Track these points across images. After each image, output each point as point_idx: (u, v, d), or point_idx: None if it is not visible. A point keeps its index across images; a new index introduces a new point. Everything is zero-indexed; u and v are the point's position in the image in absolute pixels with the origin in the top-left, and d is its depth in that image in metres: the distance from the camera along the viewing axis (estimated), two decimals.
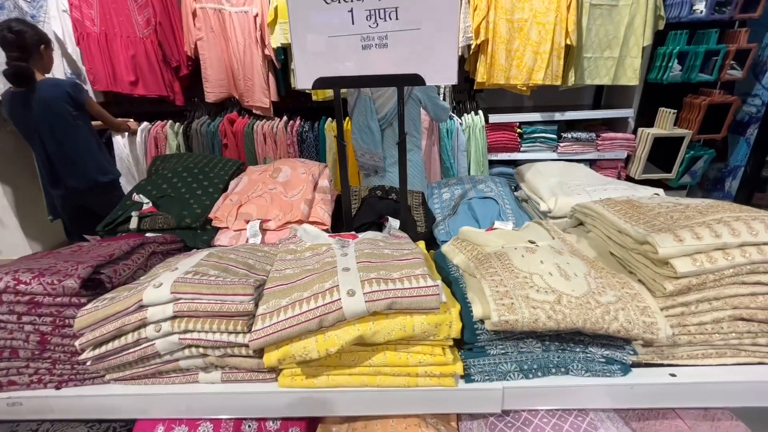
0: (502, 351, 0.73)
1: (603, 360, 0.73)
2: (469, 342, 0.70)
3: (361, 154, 2.12)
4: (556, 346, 0.73)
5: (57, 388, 0.76)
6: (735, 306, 0.69)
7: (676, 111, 2.90)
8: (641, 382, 0.73)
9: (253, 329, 0.66)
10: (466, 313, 0.71)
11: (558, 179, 1.34)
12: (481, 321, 0.69)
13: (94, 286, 0.77)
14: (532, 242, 0.79)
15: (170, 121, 2.99)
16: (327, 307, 0.64)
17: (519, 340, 0.73)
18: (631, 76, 2.82)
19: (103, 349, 0.70)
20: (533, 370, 0.73)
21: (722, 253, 0.67)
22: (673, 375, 0.74)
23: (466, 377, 0.73)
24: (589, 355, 0.73)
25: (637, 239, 0.76)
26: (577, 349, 0.73)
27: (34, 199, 3.23)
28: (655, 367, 0.76)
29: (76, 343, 0.70)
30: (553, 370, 0.74)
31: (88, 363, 0.72)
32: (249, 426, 0.77)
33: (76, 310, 0.72)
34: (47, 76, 2.21)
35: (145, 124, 2.95)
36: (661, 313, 0.68)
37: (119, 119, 2.72)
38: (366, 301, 0.64)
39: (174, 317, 0.68)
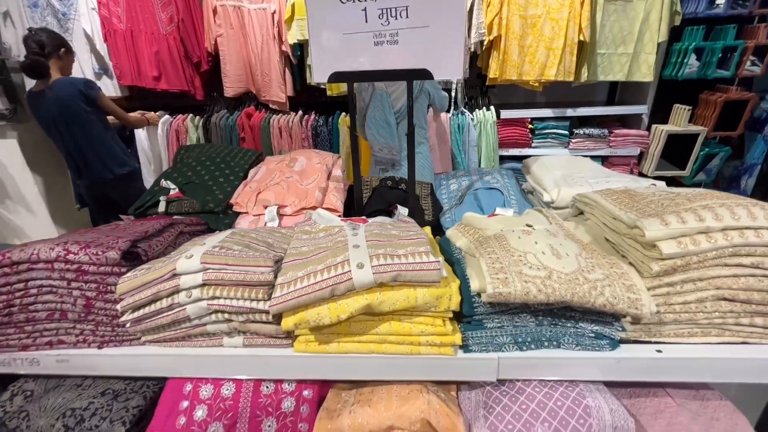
0: (498, 325, 0.79)
1: (592, 335, 0.79)
2: (467, 314, 0.76)
3: (379, 149, 2.20)
4: (548, 321, 0.79)
5: (99, 347, 0.85)
6: (718, 287, 0.74)
7: (691, 108, 2.88)
8: (628, 356, 0.78)
9: (272, 296, 0.74)
10: (465, 288, 0.77)
11: (562, 172, 1.38)
12: (478, 295, 0.76)
13: (131, 258, 0.86)
14: (529, 226, 0.85)
15: (191, 115, 3.11)
16: (338, 277, 0.72)
17: (514, 315, 0.79)
18: (646, 72, 2.80)
19: (141, 312, 0.79)
20: (527, 343, 0.80)
21: (705, 237, 0.72)
22: (659, 351, 0.79)
23: (465, 348, 0.80)
24: (579, 330, 0.79)
25: (629, 224, 0.81)
26: (569, 324, 0.79)
27: (63, 188, 3.40)
28: (643, 344, 0.82)
29: (118, 306, 0.79)
30: (546, 344, 0.80)
31: (128, 325, 0.81)
32: (267, 387, 0.86)
33: (116, 278, 0.81)
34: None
35: (166, 117, 3.08)
36: (647, 291, 0.73)
37: (134, 115, 2.72)
38: (374, 273, 0.71)
39: (203, 285, 0.77)
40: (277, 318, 0.77)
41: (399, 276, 0.72)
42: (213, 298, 0.77)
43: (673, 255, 0.73)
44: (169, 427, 0.80)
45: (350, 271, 0.72)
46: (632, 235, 0.81)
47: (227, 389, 0.84)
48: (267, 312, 0.77)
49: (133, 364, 0.85)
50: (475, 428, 0.78)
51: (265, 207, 1.26)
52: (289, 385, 0.86)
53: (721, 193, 0.81)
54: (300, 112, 3.12)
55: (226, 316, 0.79)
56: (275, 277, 0.78)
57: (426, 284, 0.74)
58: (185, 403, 0.83)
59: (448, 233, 1.00)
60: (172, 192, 1.31)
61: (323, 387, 0.90)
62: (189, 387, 0.85)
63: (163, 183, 1.33)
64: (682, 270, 0.75)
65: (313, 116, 3.09)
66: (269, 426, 0.82)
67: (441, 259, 0.76)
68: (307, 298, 0.72)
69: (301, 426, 0.82)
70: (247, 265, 0.77)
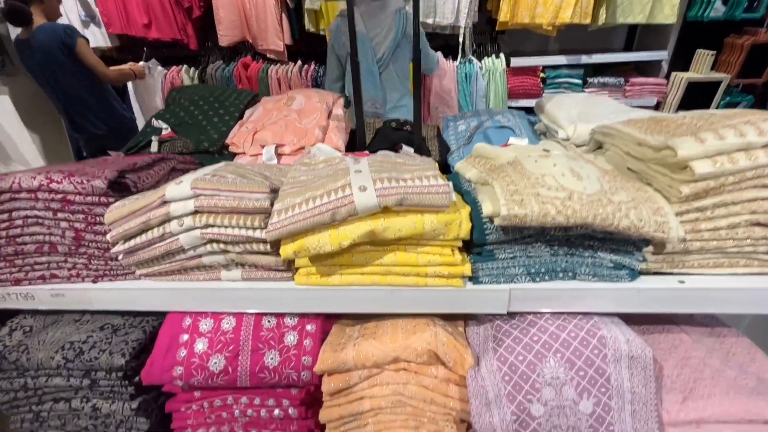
0: (510, 255, 0.75)
1: (611, 265, 0.74)
2: (478, 242, 0.71)
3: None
4: (564, 250, 0.74)
5: (94, 281, 0.82)
6: (753, 210, 0.68)
7: (714, 53, 2.70)
8: (649, 286, 0.74)
9: (269, 222, 0.69)
10: (476, 214, 0.72)
11: (579, 109, 1.29)
12: (491, 221, 0.70)
13: (120, 189, 0.81)
14: (546, 150, 0.78)
15: (185, 66, 2.97)
16: (339, 201, 0.66)
17: (527, 244, 0.74)
18: (669, 13, 2.60)
19: (132, 243, 0.75)
20: (540, 274, 0.75)
21: (745, 154, 0.65)
22: (681, 282, 0.74)
23: (474, 279, 0.76)
24: (597, 260, 0.74)
25: (657, 146, 0.74)
26: (586, 254, 0.74)
27: (61, 145, 3.33)
28: (665, 275, 0.77)
29: (108, 236, 0.75)
30: (561, 275, 0.76)
31: (120, 257, 0.78)
32: (269, 321, 0.83)
33: (104, 208, 0.76)
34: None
35: (160, 68, 2.94)
36: (674, 215, 0.68)
37: (118, 68, 2.41)
38: (377, 196, 0.66)
39: (195, 212, 0.72)
40: (276, 249, 0.73)
41: (405, 199, 0.66)
42: (206, 226, 0.72)
43: (707, 175, 0.66)
44: (169, 359, 0.79)
45: (352, 194, 0.66)
46: (660, 159, 0.74)
47: (227, 323, 0.82)
48: (264, 241, 0.73)
49: (129, 299, 0.82)
50: (484, 360, 0.76)
51: (263, 147, 1.19)
52: (291, 319, 0.84)
53: (764, 112, 0.72)
54: (299, 62, 2.96)
55: (222, 246, 0.74)
56: (271, 204, 0.72)
57: (434, 209, 0.68)
58: (185, 336, 0.81)
59: (458, 166, 0.94)
60: (164, 132, 1.24)
61: (327, 322, 0.88)
62: (188, 321, 0.82)
63: (155, 123, 1.26)
64: (714, 193, 0.68)
65: (312, 66, 2.94)
66: (272, 359, 0.80)
67: (450, 183, 0.70)
68: (307, 223, 0.67)
69: (304, 359, 0.80)
70: (242, 190, 0.71)
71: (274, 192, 0.76)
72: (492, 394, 0.72)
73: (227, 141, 1.24)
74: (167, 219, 0.72)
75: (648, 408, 0.71)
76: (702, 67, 2.75)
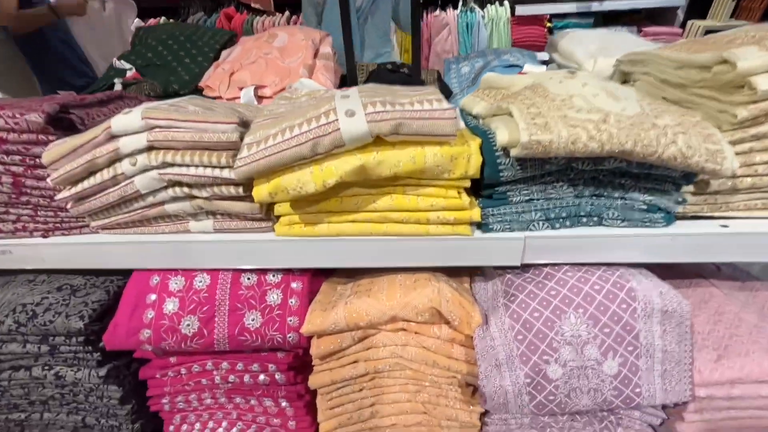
0: (527, 197, 0.64)
1: (644, 207, 0.63)
2: (489, 179, 0.60)
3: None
4: (590, 191, 0.63)
5: (44, 236, 0.71)
6: None
7: None
8: (686, 232, 0.64)
9: (238, 157, 0.57)
10: (487, 146, 0.60)
11: (598, 44, 1.14)
12: (506, 154, 0.58)
13: (64, 128, 0.69)
14: (571, 72, 0.65)
15: (164, 18, 2.73)
16: (322, 129, 0.54)
17: (547, 185, 0.63)
18: None
19: (80, 187, 0.63)
20: (561, 219, 0.65)
21: None
22: (724, 226, 0.64)
23: (484, 226, 0.65)
24: (628, 201, 0.63)
25: (707, 63, 0.61)
26: (616, 195, 0.63)
27: None
28: (703, 220, 0.67)
29: (49, 180, 0.63)
30: (585, 220, 0.65)
31: (69, 206, 0.66)
32: (248, 278, 0.73)
33: (45, 148, 0.64)
34: None
35: (137, 21, 2.70)
36: (728, 143, 0.56)
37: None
38: (368, 121, 0.54)
39: (150, 149, 0.60)
40: (249, 189, 0.61)
41: (402, 126, 0.54)
42: (164, 165, 0.60)
43: None
44: (135, 321, 0.69)
45: (337, 120, 0.54)
46: (710, 80, 0.62)
47: (201, 281, 0.72)
48: (236, 183, 0.61)
49: (86, 255, 0.71)
50: (494, 318, 0.66)
51: (241, 89, 1.05)
52: (274, 276, 0.74)
53: None
54: (287, 13, 2.73)
55: (186, 190, 0.63)
56: (242, 139, 0.60)
57: (438, 139, 0.57)
58: (153, 296, 0.71)
59: (463, 102, 0.81)
60: (129, 74, 1.09)
61: (315, 280, 0.78)
62: (156, 279, 0.72)
63: (117, 64, 1.11)
64: None
65: (301, 18, 2.71)
66: (253, 320, 0.70)
67: (458, 108, 0.58)
68: (283, 156, 0.55)
69: (290, 320, 0.71)
70: (204, 121, 0.59)
71: (246, 126, 0.64)
72: (503, 355, 0.63)
73: (201, 84, 1.10)
74: (117, 158, 0.60)
75: (681, 368, 0.62)
76: (721, 14, 2.55)
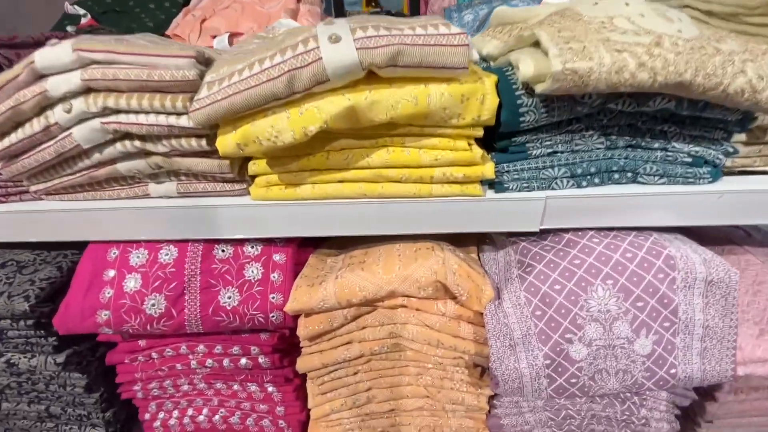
0: (549, 149, 0.53)
1: (689, 160, 0.53)
2: (507, 125, 0.49)
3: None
4: (625, 141, 0.53)
5: None
6: None
7: None
8: (735, 189, 0.54)
9: (195, 98, 0.46)
10: (504, 85, 0.49)
11: None
12: (528, 92, 0.47)
13: None
14: None
15: None
16: (300, 58, 0.43)
17: (574, 133, 0.52)
18: None
19: (7, 142, 0.51)
20: (589, 176, 0.55)
21: None
22: None
23: (497, 186, 0.55)
24: (670, 153, 0.53)
25: None
26: (656, 145, 0.53)
27: None
28: (753, 175, 0.57)
29: None
30: (617, 176, 0.55)
31: None
32: (223, 250, 0.63)
33: None
34: None
35: None
36: None
37: None
38: (358, 48, 0.42)
39: (88, 91, 0.48)
40: (213, 142, 0.50)
41: (401, 54, 0.43)
42: (107, 112, 0.49)
43: None
44: (90, 300, 0.59)
45: (318, 47, 0.43)
46: None
47: (167, 254, 0.62)
48: (198, 134, 0.50)
49: (27, 225, 0.60)
50: (507, 292, 0.57)
51: (213, 37, 0.92)
52: (253, 248, 0.64)
53: None
54: None
55: (138, 144, 0.52)
56: (202, 78, 0.49)
57: (445, 73, 0.46)
58: (111, 272, 0.61)
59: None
60: (83, 20, 0.95)
61: (301, 252, 0.68)
62: (115, 252, 0.62)
63: (70, 9, 0.96)
64: None
65: None
66: (229, 297, 0.61)
67: (469, 35, 0.46)
68: (250, 94, 0.44)
69: (273, 297, 0.61)
70: (154, 54, 0.47)
71: (208, 64, 0.52)
72: (518, 333, 0.55)
73: (168, 32, 0.96)
74: (48, 103, 0.49)
75: (723, 345, 0.54)
76: None
